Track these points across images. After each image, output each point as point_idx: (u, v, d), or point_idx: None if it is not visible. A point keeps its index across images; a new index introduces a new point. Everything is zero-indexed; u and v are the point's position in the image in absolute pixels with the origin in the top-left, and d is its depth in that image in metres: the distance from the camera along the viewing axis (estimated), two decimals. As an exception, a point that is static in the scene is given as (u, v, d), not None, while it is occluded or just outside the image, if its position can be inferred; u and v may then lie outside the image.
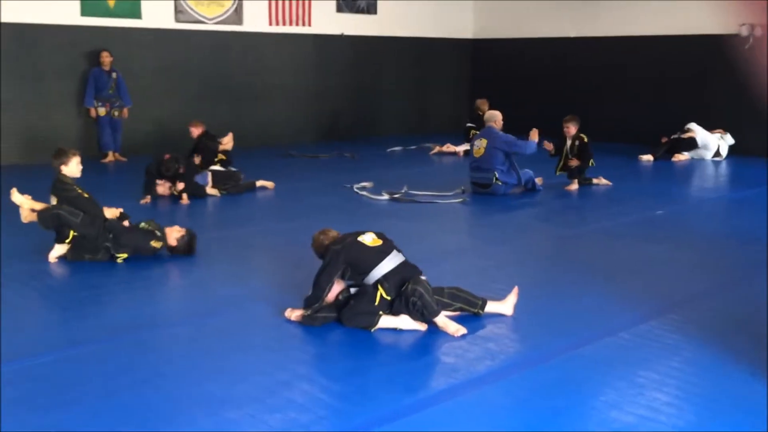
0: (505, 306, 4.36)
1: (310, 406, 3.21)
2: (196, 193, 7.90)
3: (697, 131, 11.38)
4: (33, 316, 4.48)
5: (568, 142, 8.76)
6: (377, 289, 4.11)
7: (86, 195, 5.59)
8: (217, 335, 4.07)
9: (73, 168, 5.58)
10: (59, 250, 5.53)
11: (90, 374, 3.54)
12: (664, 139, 11.56)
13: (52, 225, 5.45)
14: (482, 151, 8.18)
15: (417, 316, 4.08)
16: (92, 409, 3.17)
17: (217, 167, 8.66)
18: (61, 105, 10.56)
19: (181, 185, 7.75)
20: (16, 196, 5.56)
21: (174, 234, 5.67)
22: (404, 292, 4.05)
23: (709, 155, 11.38)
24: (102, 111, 10.51)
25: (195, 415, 3.13)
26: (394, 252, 4.28)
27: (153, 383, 3.44)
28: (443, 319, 4.08)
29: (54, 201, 5.55)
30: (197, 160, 8.53)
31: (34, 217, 5.52)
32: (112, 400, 3.26)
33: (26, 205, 5.57)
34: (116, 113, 10.62)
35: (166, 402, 3.26)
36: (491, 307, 4.33)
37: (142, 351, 3.86)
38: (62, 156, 5.55)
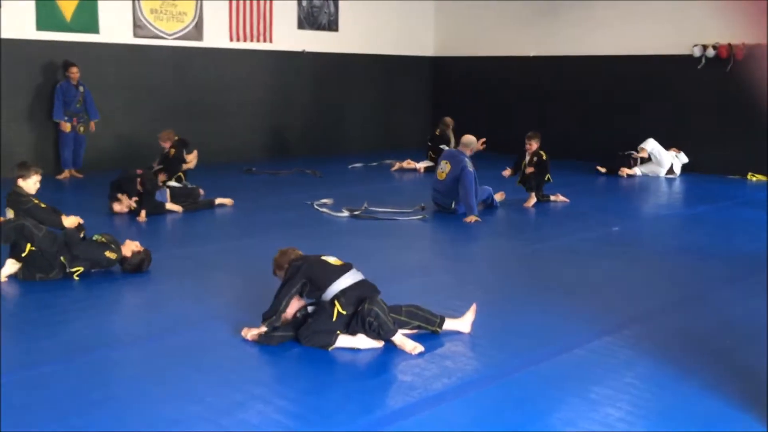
0: (462, 323, 4.38)
1: (265, 427, 3.17)
2: (157, 210, 7.80)
3: (653, 147, 11.62)
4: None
5: (527, 158, 8.88)
6: (334, 305, 4.10)
7: (43, 205, 5.56)
8: (171, 355, 4.01)
9: (29, 184, 5.56)
10: (10, 267, 5.41)
11: (40, 398, 3.45)
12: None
13: (13, 237, 5.33)
14: (444, 176, 8.09)
15: (373, 335, 4.07)
16: (41, 434, 3.09)
17: (174, 183, 8.61)
18: (15, 120, 10.34)
19: (131, 202, 7.68)
20: None
21: (132, 247, 5.62)
22: (360, 312, 4.05)
23: (663, 172, 11.63)
24: (67, 127, 10.31)
25: (147, 438, 3.08)
26: (353, 270, 4.29)
27: (104, 406, 3.37)
28: (400, 338, 4.09)
29: (10, 213, 5.45)
30: (161, 176, 8.54)
31: None
32: (61, 424, 3.18)
33: None
34: (82, 128, 10.45)
35: (117, 425, 3.19)
36: (449, 324, 4.34)
37: (95, 373, 3.78)
38: (24, 169, 5.58)
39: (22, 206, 5.43)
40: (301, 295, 4.26)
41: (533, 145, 8.85)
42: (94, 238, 5.62)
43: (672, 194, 10.45)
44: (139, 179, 7.72)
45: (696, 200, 9.78)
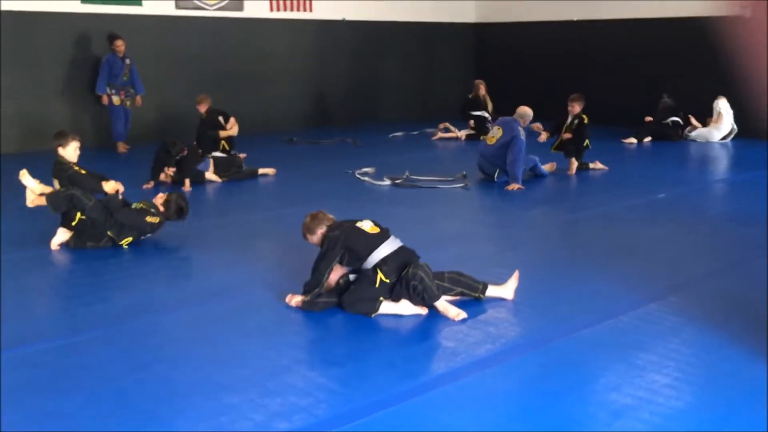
0: (505, 290, 4.36)
1: (310, 390, 3.22)
2: (197, 179, 7.91)
3: (723, 106, 11.27)
4: (34, 303, 4.50)
5: (569, 120, 8.72)
6: (377, 272, 4.11)
7: (83, 172, 5.63)
8: (217, 321, 4.08)
9: (69, 152, 5.63)
10: (62, 236, 5.55)
11: (90, 361, 3.56)
12: (648, 119, 11.61)
13: (64, 207, 5.45)
14: (494, 141, 7.96)
15: (417, 300, 4.08)
16: (92, 395, 3.19)
17: (218, 153, 8.69)
18: (59, 93, 10.52)
19: (172, 170, 7.77)
20: (27, 178, 5.56)
21: (158, 202, 5.73)
22: (405, 276, 4.06)
23: (718, 136, 11.30)
24: (116, 100, 10.28)
25: (194, 399, 3.15)
26: (392, 237, 4.28)
27: (152, 369, 3.46)
28: (444, 304, 4.09)
29: (57, 184, 5.57)
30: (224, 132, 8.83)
31: (40, 201, 5.52)
32: (111, 385, 3.28)
33: (36, 189, 5.57)
34: (128, 102, 10.43)
35: (165, 387, 3.28)
36: (492, 291, 4.33)
37: (143, 337, 3.88)
38: (60, 138, 5.65)
39: (63, 174, 5.54)
40: (341, 263, 4.28)
41: (576, 107, 8.68)
42: (132, 206, 5.70)
43: (722, 160, 10.20)
44: (184, 149, 7.81)
45: (746, 166, 9.51)
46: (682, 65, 12.32)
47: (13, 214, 6.39)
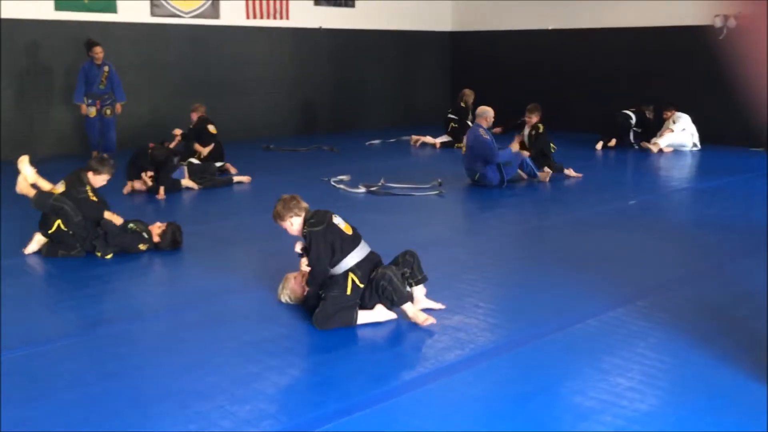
0: (418, 305, 4.25)
1: (279, 397, 3.25)
2: (173, 187, 7.90)
3: (685, 124, 11.43)
4: (7, 311, 4.47)
5: (526, 131, 8.84)
6: (347, 277, 4.13)
7: (95, 199, 5.61)
8: (190, 328, 4.09)
9: (98, 180, 5.65)
10: (36, 244, 5.52)
11: (61, 369, 3.56)
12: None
13: (46, 210, 5.42)
14: (464, 149, 8.35)
15: (387, 302, 4.11)
16: (61, 403, 3.19)
17: (194, 159, 8.70)
18: (38, 101, 10.47)
19: (150, 175, 7.77)
20: (25, 165, 5.52)
21: (155, 231, 5.69)
22: (374, 278, 4.09)
23: (689, 145, 11.46)
24: (92, 111, 9.83)
25: (164, 407, 3.16)
26: (363, 242, 4.31)
27: (122, 376, 3.46)
28: (413, 309, 4.12)
29: (61, 188, 5.55)
30: (201, 147, 8.77)
31: (28, 191, 5.49)
32: (81, 393, 3.28)
33: (30, 178, 5.53)
34: (108, 111, 9.94)
35: (135, 395, 3.28)
36: (417, 296, 4.29)
37: (114, 345, 3.88)
38: (99, 164, 5.64)
39: (75, 192, 5.51)
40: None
41: (533, 118, 8.82)
42: (129, 226, 5.65)
43: (691, 167, 10.35)
44: (150, 153, 7.83)
45: (715, 173, 9.66)
46: (658, 73, 12.50)
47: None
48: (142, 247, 5.60)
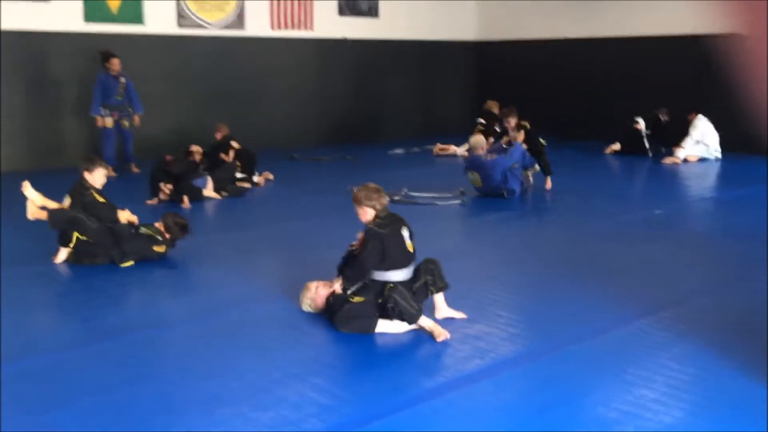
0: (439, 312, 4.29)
1: (301, 405, 3.27)
2: (195, 196, 7.98)
3: (703, 131, 11.31)
4: (35, 317, 4.55)
5: (511, 135, 8.74)
6: (386, 286, 4.10)
7: (102, 200, 5.68)
8: (213, 335, 4.13)
9: (96, 177, 5.71)
10: (65, 251, 5.60)
11: (87, 374, 3.61)
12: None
13: (64, 226, 5.50)
14: (479, 182, 8.17)
15: (398, 320, 4.08)
16: (88, 408, 3.24)
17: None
18: (65, 112, 10.65)
19: (168, 187, 7.87)
20: (29, 191, 5.62)
21: (162, 229, 5.76)
22: (383, 298, 4.06)
23: (712, 153, 11.33)
24: (109, 122, 9.83)
25: (188, 412, 3.20)
26: (412, 265, 4.27)
27: (148, 382, 3.51)
28: (430, 323, 4.08)
29: (67, 202, 5.63)
30: (226, 156, 8.88)
31: (41, 214, 5.58)
32: (107, 398, 3.33)
33: (38, 201, 5.63)
34: (126, 123, 9.97)
35: (160, 400, 3.33)
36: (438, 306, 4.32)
37: (139, 351, 3.93)
38: (90, 162, 5.71)
39: (81, 198, 5.58)
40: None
41: (511, 121, 8.75)
42: (141, 231, 5.72)
43: (716, 176, 10.24)
44: (167, 166, 7.93)
45: (740, 182, 9.56)
46: (685, 81, 12.39)
47: (17, 229, 6.46)
48: (157, 249, 5.64)
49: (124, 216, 5.74)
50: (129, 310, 4.60)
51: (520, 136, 8.46)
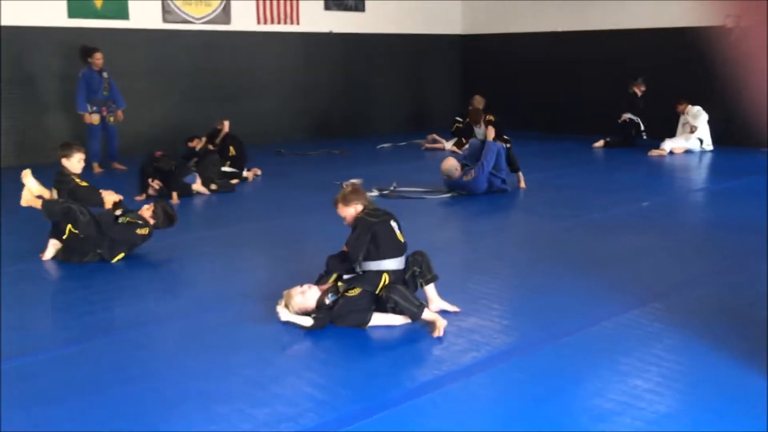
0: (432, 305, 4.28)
1: (298, 400, 3.26)
2: (184, 192, 7.94)
3: (702, 123, 11.35)
4: (26, 316, 4.50)
5: (481, 134, 8.64)
6: (380, 276, 4.11)
7: (84, 184, 5.65)
8: (206, 332, 4.11)
9: (74, 162, 5.64)
10: (53, 249, 5.56)
11: (81, 372, 3.59)
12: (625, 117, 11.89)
13: (58, 217, 5.46)
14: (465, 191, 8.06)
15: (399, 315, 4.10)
16: (84, 406, 3.22)
17: (226, 168, 8.86)
18: (49, 108, 10.54)
19: (156, 182, 7.83)
20: (29, 178, 5.58)
21: (146, 214, 5.73)
22: (381, 298, 4.06)
23: (700, 145, 11.40)
24: (96, 118, 9.71)
25: (184, 409, 3.18)
26: (404, 257, 4.28)
27: (144, 380, 3.49)
28: (430, 314, 4.10)
29: (56, 194, 5.59)
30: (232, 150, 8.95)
31: (35, 203, 5.53)
32: (103, 396, 3.31)
33: (35, 190, 5.58)
34: (112, 119, 9.86)
35: (155, 397, 3.31)
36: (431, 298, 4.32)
37: (134, 349, 3.90)
38: (66, 149, 5.66)
39: (64, 186, 5.56)
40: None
41: (481, 123, 8.61)
42: (120, 221, 5.66)
43: (703, 168, 10.32)
44: (156, 163, 7.90)
45: (728, 173, 9.64)
46: (668, 75, 12.46)
47: (8, 227, 6.40)
48: (140, 231, 5.62)
49: (109, 197, 5.69)
50: (120, 308, 4.56)
51: (491, 133, 8.35)
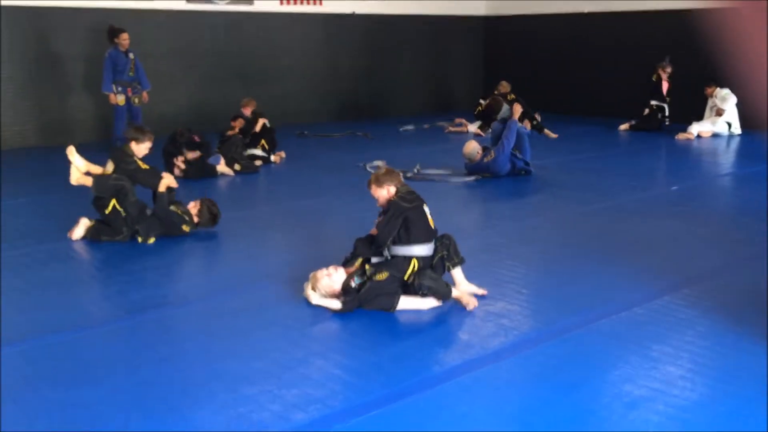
0: (462, 288, 4.27)
1: (325, 382, 3.25)
2: (209, 173, 7.96)
3: (731, 106, 11.15)
4: (54, 296, 4.54)
5: (505, 107, 8.70)
6: (410, 262, 4.10)
7: (146, 167, 5.67)
8: (235, 313, 4.12)
9: (141, 148, 5.68)
10: (82, 228, 5.58)
11: (112, 352, 3.61)
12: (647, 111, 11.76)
13: (109, 192, 5.49)
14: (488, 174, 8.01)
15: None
16: (114, 386, 3.24)
17: (256, 151, 8.90)
18: (74, 89, 10.60)
19: (191, 154, 7.83)
20: (75, 156, 5.59)
21: (193, 211, 5.75)
22: (411, 285, 4.06)
23: (728, 129, 11.22)
24: (121, 99, 9.65)
25: (214, 390, 3.19)
26: (433, 242, 4.27)
27: (173, 360, 3.50)
28: (457, 292, 4.11)
29: (110, 167, 5.62)
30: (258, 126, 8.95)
31: (85, 180, 5.55)
32: (133, 376, 3.33)
33: (82, 167, 5.61)
34: (136, 100, 9.80)
35: (184, 378, 3.32)
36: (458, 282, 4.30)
37: (163, 329, 3.93)
38: (138, 133, 5.69)
39: (125, 165, 5.57)
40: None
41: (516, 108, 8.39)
42: (170, 208, 5.68)
43: (732, 152, 10.16)
44: (193, 135, 7.93)
45: (756, 158, 9.47)
46: (694, 57, 12.23)
47: (37, 207, 6.45)
48: (185, 228, 5.65)
49: (165, 182, 5.69)
50: (149, 288, 4.58)
51: (517, 109, 8.23)
